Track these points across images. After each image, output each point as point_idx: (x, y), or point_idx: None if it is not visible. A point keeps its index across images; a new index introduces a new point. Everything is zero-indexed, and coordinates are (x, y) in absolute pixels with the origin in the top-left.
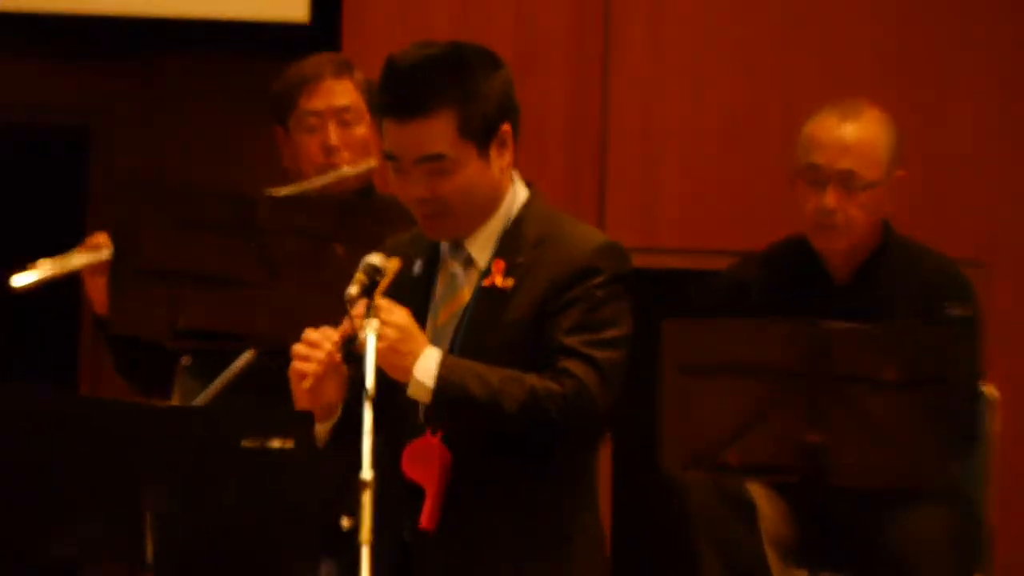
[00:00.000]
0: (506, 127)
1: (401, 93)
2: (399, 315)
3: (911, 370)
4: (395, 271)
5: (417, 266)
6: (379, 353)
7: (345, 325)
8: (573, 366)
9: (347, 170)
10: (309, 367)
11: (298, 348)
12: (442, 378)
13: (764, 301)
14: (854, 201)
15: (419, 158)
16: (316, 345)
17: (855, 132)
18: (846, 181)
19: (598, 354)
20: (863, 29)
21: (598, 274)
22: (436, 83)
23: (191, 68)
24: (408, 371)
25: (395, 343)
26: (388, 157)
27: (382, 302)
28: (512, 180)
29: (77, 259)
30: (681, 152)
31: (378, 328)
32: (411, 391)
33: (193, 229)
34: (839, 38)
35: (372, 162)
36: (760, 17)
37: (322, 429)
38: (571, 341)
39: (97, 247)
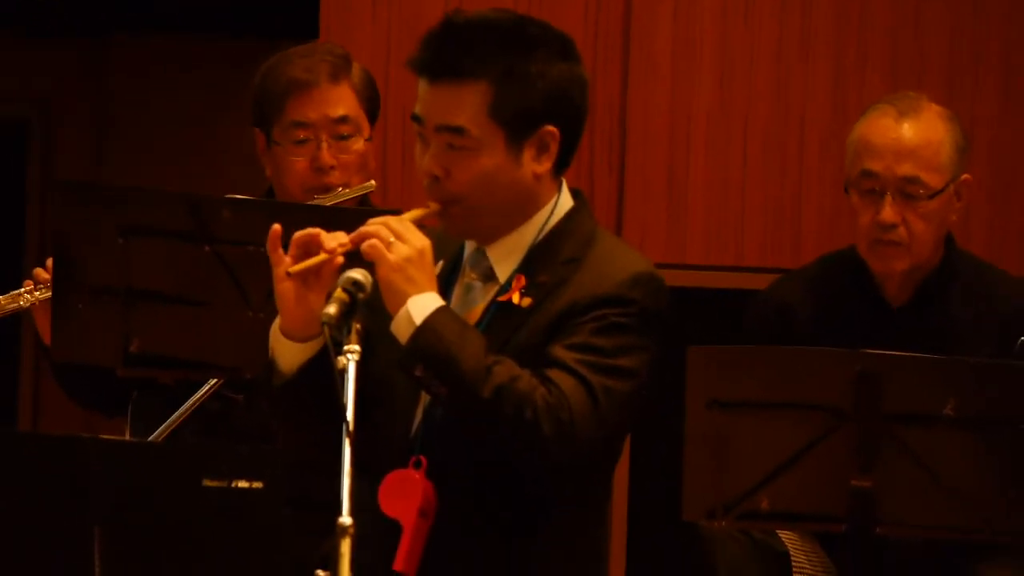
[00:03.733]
0: (551, 129)
1: (440, 50)
2: (423, 240)
3: (975, 408)
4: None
5: (438, 268)
6: (383, 266)
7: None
8: (560, 379)
9: (343, 193)
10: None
11: (299, 234)
12: (430, 324)
13: (809, 326)
14: (917, 212)
15: (439, 126)
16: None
17: (915, 132)
18: (907, 189)
19: (593, 378)
20: (919, 17)
21: (625, 304)
22: (478, 48)
23: (144, 50)
24: (404, 297)
25: (405, 262)
26: (414, 119)
27: (408, 224)
28: (556, 191)
29: (24, 300)
30: (710, 151)
31: (392, 243)
32: (394, 324)
33: (141, 236)
34: (900, 28)
35: (371, 184)
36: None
37: (294, 353)
38: (564, 355)
39: (44, 283)
